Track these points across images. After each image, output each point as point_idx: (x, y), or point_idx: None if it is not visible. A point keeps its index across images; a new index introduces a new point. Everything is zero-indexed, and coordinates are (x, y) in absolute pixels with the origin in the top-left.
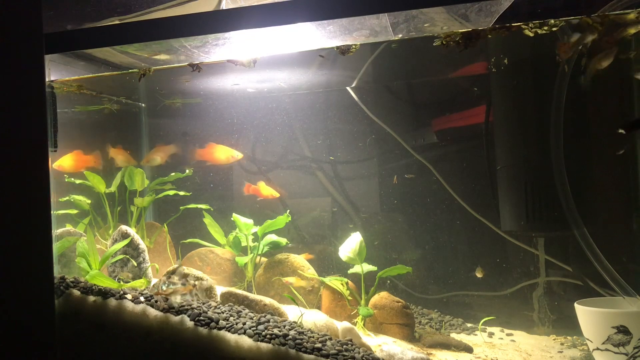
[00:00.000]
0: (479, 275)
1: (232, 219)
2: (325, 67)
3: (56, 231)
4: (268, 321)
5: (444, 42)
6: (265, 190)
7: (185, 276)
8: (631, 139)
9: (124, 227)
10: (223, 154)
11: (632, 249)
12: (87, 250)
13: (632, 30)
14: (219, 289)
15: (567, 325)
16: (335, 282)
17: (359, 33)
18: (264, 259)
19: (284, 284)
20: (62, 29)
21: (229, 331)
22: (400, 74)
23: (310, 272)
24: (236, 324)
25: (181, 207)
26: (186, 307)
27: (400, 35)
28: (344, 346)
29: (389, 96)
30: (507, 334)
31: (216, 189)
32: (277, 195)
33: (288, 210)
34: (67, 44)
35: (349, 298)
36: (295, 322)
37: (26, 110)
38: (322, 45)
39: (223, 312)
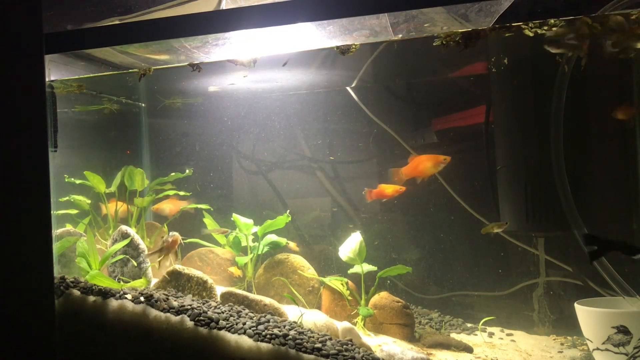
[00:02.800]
0: (497, 230)
1: (232, 219)
2: (325, 67)
3: (56, 231)
4: (268, 321)
5: (444, 42)
6: (389, 189)
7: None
8: (631, 139)
9: (124, 227)
10: (431, 162)
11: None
12: (87, 250)
13: None
14: (219, 289)
15: (567, 325)
16: (335, 282)
17: (359, 33)
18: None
19: (283, 284)
20: (62, 29)
21: (229, 331)
22: (400, 74)
23: (310, 272)
24: (236, 324)
25: (181, 207)
26: (186, 307)
27: (400, 35)
28: (344, 346)
29: (389, 96)
30: (507, 334)
31: (216, 189)
32: (403, 189)
33: (288, 210)
34: (67, 44)
35: (349, 298)
36: (295, 322)
37: (26, 110)
38: (322, 45)
39: (223, 312)
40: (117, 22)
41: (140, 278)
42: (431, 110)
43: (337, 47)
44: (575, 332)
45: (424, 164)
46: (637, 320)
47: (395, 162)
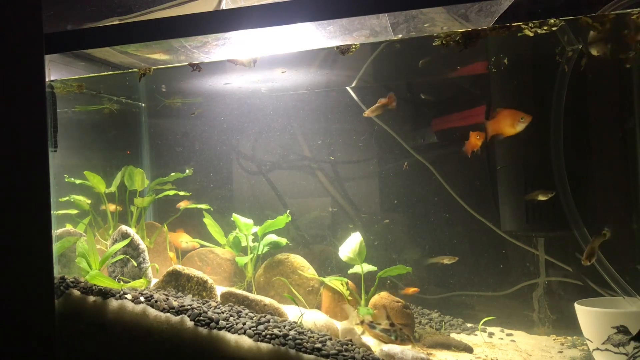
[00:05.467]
0: (542, 197)
1: (232, 219)
2: (325, 67)
3: (56, 231)
4: (268, 321)
5: (444, 42)
6: (473, 137)
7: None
8: (631, 139)
9: (124, 227)
10: (509, 119)
11: (632, 249)
12: (87, 250)
13: None
14: (219, 289)
15: (567, 325)
16: (335, 282)
17: (359, 33)
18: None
19: (283, 284)
20: (62, 29)
21: (229, 331)
22: (400, 73)
23: (311, 271)
24: (236, 324)
25: (181, 207)
26: (186, 307)
27: (400, 35)
28: (344, 346)
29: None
30: (507, 334)
31: (216, 189)
32: (478, 144)
33: (288, 211)
34: (67, 44)
35: (349, 298)
36: (295, 322)
37: (26, 110)
38: (322, 45)
39: (223, 312)
40: (117, 22)
41: (140, 278)
42: (431, 110)
43: (337, 47)
44: (575, 332)
45: (504, 121)
46: (637, 320)
47: (394, 161)
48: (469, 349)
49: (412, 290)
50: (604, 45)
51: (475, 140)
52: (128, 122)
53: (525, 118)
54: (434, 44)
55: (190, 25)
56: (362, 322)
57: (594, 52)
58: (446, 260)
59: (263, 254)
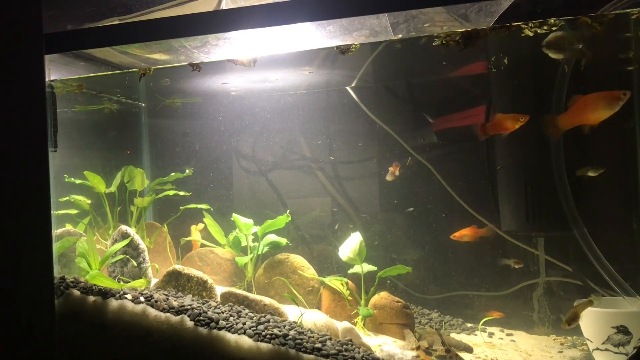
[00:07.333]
0: (592, 173)
1: (232, 219)
2: (325, 67)
3: (56, 231)
4: (268, 321)
5: (444, 42)
6: (508, 120)
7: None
8: (631, 139)
9: (124, 227)
10: (603, 100)
11: (632, 249)
12: (87, 250)
13: None
14: (219, 289)
15: None
16: (335, 282)
17: (359, 33)
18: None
19: (283, 284)
20: (62, 29)
21: (229, 331)
22: (400, 73)
23: (311, 271)
24: (236, 324)
25: (181, 207)
26: (186, 307)
27: (400, 35)
28: (344, 346)
29: (389, 96)
30: (507, 334)
31: (216, 189)
32: (526, 118)
33: (288, 211)
34: (67, 44)
35: (349, 298)
36: (295, 322)
37: (26, 110)
38: (322, 45)
39: (223, 312)
40: (117, 22)
41: (140, 278)
42: (431, 110)
43: (337, 47)
44: (575, 332)
45: (593, 105)
46: (637, 320)
47: (394, 161)
48: (469, 349)
49: (496, 314)
50: (574, 48)
51: (509, 123)
52: (128, 122)
53: (627, 93)
54: (434, 44)
55: (190, 25)
56: (417, 348)
57: (552, 54)
58: (514, 264)
59: (263, 254)
